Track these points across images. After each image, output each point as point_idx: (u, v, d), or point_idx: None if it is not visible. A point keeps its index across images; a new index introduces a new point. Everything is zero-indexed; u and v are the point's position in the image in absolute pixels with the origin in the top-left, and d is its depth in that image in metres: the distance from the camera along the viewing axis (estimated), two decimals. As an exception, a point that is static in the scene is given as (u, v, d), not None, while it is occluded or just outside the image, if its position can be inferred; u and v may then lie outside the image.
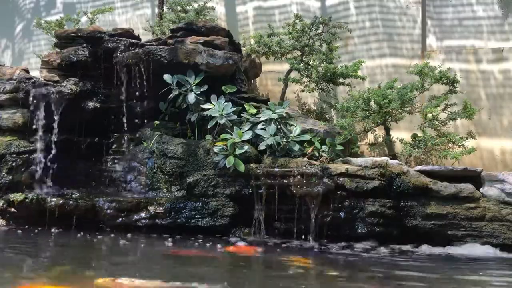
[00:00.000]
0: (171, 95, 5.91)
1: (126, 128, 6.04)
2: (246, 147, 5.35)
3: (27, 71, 6.66)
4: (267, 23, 7.39)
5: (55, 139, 5.88)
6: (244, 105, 5.91)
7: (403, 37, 7.29)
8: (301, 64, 6.64)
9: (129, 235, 5.04)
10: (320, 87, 6.69)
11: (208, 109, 5.73)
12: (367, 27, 7.44)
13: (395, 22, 7.33)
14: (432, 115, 5.94)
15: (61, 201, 5.18)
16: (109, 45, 6.11)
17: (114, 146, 6.08)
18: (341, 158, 5.55)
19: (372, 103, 5.96)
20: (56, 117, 5.90)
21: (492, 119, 6.79)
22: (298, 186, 5.04)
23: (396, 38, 7.30)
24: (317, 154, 5.65)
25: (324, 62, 6.58)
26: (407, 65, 6.63)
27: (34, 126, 5.89)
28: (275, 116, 5.61)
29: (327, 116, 6.96)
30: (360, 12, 7.47)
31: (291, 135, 5.53)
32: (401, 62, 7.19)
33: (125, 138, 6.02)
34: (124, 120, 6.03)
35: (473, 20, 7.06)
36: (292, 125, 5.71)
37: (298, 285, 3.53)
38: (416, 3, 7.23)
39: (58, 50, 6.61)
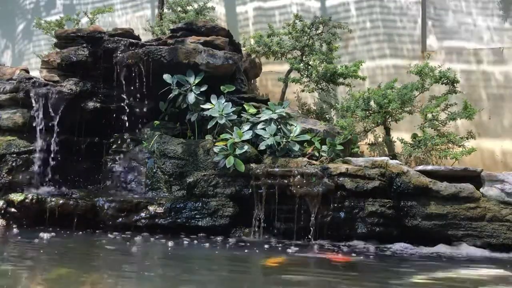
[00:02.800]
0: (171, 95, 5.92)
1: (126, 128, 6.04)
2: (246, 147, 5.35)
3: (27, 71, 6.66)
4: (267, 23, 7.39)
5: (55, 139, 5.88)
6: (244, 105, 5.91)
7: (403, 37, 7.28)
8: (301, 64, 6.64)
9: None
10: (320, 87, 6.69)
11: (208, 109, 5.73)
12: (368, 28, 7.43)
13: (395, 23, 7.32)
14: (432, 115, 5.94)
15: (61, 201, 5.18)
16: (109, 45, 6.11)
17: (114, 146, 6.07)
18: (341, 158, 5.55)
19: (372, 103, 5.97)
20: (56, 117, 5.90)
21: (492, 119, 6.79)
22: (298, 186, 5.04)
23: (396, 38, 7.29)
24: (317, 154, 5.65)
25: (324, 62, 6.58)
26: (407, 66, 6.62)
27: (34, 126, 5.88)
28: (275, 116, 5.61)
29: (327, 116, 6.96)
30: (361, 13, 7.46)
31: (291, 135, 5.53)
32: (401, 63, 7.18)
33: (125, 138, 6.01)
34: (124, 120, 6.03)
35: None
36: (292, 125, 5.71)
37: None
38: (417, 3, 7.22)
39: (58, 50, 6.61)
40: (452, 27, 7.10)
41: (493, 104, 6.79)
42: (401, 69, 7.07)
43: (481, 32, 6.97)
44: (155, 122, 6.02)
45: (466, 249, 4.89)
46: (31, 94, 5.90)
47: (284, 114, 5.67)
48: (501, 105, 6.77)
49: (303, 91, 6.85)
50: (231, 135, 5.45)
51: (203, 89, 5.85)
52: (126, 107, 6.05)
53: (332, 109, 6.91)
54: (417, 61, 6.85)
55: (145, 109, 6.15)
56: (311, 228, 5.02)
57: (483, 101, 6.80)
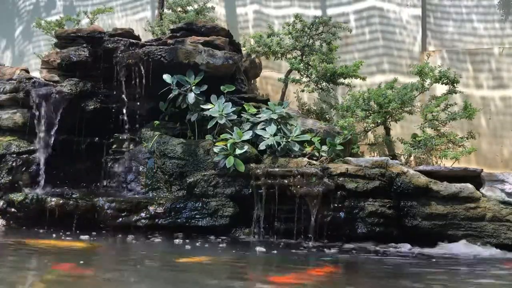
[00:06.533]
0: (171, 95, 5.91)
1: (126, 128, 6.04)
2: (246, 147, 5.35)
3: (27, 71, 6.67)
4: (266, 27, 7.37)
5: (55, 139, 5.88)
6: (244, 105, 5.91)
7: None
8: (301, 64, 6.64)
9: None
10: (320, 87, 6.69)
11: (208, 109, 5.73)
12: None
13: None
14: (432, 115, 5.94)
15: (61, 201, 5.17)
16: (109, 45, 6.11)
17: (114, 146, 6.07)
18: (341, 158, 5.55)
19: (372, 103, 5.97)
20: (56, 117, 5.90)
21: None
22: (298, 186, 5.04)
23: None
24: (317, 154, 5.65)
25: (324, 62, 6.57)
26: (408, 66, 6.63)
27: (34, 126, 5.88)
28: (275, 116, 5.61)
29: (327, 116, 6.96)
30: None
31: (291, 135, 5.53)
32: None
33: (125, 138, 6.01)
34: (124, 120, 6.03)
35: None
36: (292, 125, 5.71)
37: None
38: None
39: (58, 50, 6.62)
40: (451, 31, 7.10)
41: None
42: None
43: (480, 36, 6.98)
44: (155, 122, 6.02)
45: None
46: (31, 94, 5.90)
47: (284, 114, 5.67)
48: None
49: (303, 91, 6.85)
50: (231, 135, 5.45)
51: (203, 89, 5.85)
52: (126, 107, 6.05)
53: (332, 109, 6.91)
54: (416, 62, 6.84)
55: (145, 109, 6.15)
56: (311, 228, 5.02)
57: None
